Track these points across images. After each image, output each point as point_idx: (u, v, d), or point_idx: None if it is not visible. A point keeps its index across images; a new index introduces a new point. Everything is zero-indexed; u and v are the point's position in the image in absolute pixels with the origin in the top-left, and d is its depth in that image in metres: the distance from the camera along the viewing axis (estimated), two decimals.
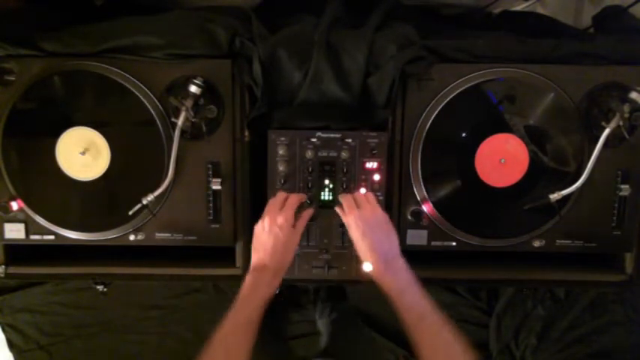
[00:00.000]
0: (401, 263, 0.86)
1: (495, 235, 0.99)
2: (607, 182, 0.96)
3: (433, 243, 0.99)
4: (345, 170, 0.96)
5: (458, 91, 0.94)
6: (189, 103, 0.88)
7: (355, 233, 0.87)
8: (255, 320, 0.81)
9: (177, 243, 0.98)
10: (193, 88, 0.89)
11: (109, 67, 0.93)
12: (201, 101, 0.91)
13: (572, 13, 1.35)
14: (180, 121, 0.88)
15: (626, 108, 0.88)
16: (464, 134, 0.96)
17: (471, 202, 0.98)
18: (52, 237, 0.98)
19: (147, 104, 0.93)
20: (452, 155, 0.97)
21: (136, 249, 1.00)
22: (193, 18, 0.95)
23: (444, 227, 0.98)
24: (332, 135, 0.95)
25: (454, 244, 0.99)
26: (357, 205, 0.90)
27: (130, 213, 0.90)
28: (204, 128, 0.93)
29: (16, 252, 1.02)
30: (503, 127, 0.94)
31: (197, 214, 0.97)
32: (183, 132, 0.91)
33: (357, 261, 0.99)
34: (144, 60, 0.92)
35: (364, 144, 0.96)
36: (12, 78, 0.93)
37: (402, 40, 0.92)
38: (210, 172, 0.95)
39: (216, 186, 0.95)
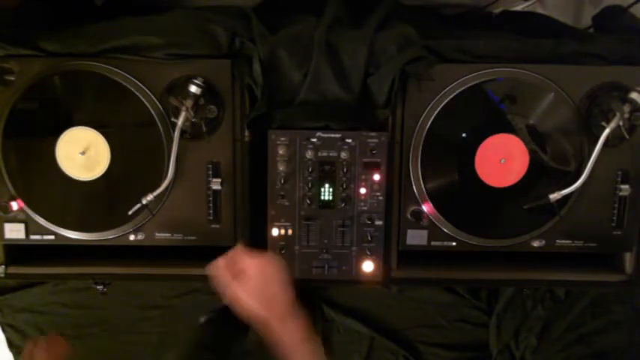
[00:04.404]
0: (295, 319, 0.78)
1: (495, 235, 0.99)
2: (607, 182, 0.96)
3: (433, 243, 0.99)
4: (345, 170, 0.96)
5: (458, 91, 0.94)
6: (189, 103, 0.88)
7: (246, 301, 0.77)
8: None
9: (177, 243, 0.98)
10: (193, 88, 0.89)
11: (109, 67, 0.93)
12: (201, 101, 0.91)
13: (572, 13, 1.36)
14: (180, 121, 0.88)
15: (626, 108, 0.88)
16: (464, 134, 0.96)
17: (471, 202, 0.98)
18: (52, 237, 0.98)
19: (147, 104, 0.93)
20: (452, 155, 0.97)
21: (136, 249, 1.00)
22: (193, 18, 0.95)
23: (444, 227, 0.98)
24: (332, 135, 0.95)
25: (454, 244, 0.99)
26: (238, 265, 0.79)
27: (130, 213, 0.90)
28: (204, 128, 0.93)
29: (16, 252, 1.02)
30: (504, 127, 0.94)
31: (197, 214, 0.97)
32: (183, 132, 0.91)
33: (357, 261, 0.99)
34: (144, 60, 0.92)
35: (364, 144, 0.96)
36: (12, 78, 0.93)
37: (402, 40, 0.92)
38: (210, 172, 0.95)
39: (216, 186, 0.95)
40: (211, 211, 0.96)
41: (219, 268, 0.79)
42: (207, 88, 0.91)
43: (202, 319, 0.91)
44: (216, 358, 0.80)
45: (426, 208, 0.98)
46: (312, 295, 1.50)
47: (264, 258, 0.78)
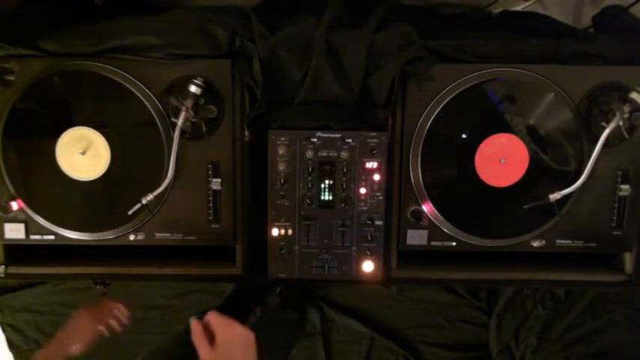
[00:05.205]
0: None
1: (495, 235, 0.99)
2: (607, 182, 0.96)
3: (433, 243, 0.99)
4: (345, 170, 0.96)
5: (458, 91, 0.94)
6: (189, 103, 0.89)
7: None
8: None
9: (177, 243, 0.98)
10: (193, 88, 0.89)
11: (109, 67, 0.93)
12: (201, 101, 0.91)
13: (572, 13, 1.36)
14: (180, 121, 0.88)
15: (626, 108, 0.88)
16: (464, 134, 0.96)
17: (471, 202, 0.98)
18: (52, 237, 0.98)
19: (147, 104, 0.93)
20: (452, 155, 0.97)
21: (136, 249, 1.00)
22: (193, 18, 0.95)
23: (444, 227, 0.98)
24: (332, 135, 0.95)
25: (454, 244, 0.99)
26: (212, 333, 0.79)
27: (130, 213, 0.90)
28: (204, 128, 0.93)
29: (16, 252, 1.02)
30: (504, 127, 0.94)
31: (197, 214, 0.97)
32: (183, 132, 0.91)
33: (357, 261, 1.00)
34: (144, 60, 0.92)
35: (364, 144, 0.96)
36: (12, 78, 0.93)
37: (402, 40, 0.92)
38: (210, 172, 0.95)
39: (216, 186, 0.95)
40: (211, 211, 0.96)
41: (194, 331, 0.78)
42: (207, 88, 0.91)
43: (192, 319, 0.91)
44: (190, 353, 0.80)
45: (426, 208, 0.98)
46: (312, 295, 1.50)
47: (233, 329, 0.77)
